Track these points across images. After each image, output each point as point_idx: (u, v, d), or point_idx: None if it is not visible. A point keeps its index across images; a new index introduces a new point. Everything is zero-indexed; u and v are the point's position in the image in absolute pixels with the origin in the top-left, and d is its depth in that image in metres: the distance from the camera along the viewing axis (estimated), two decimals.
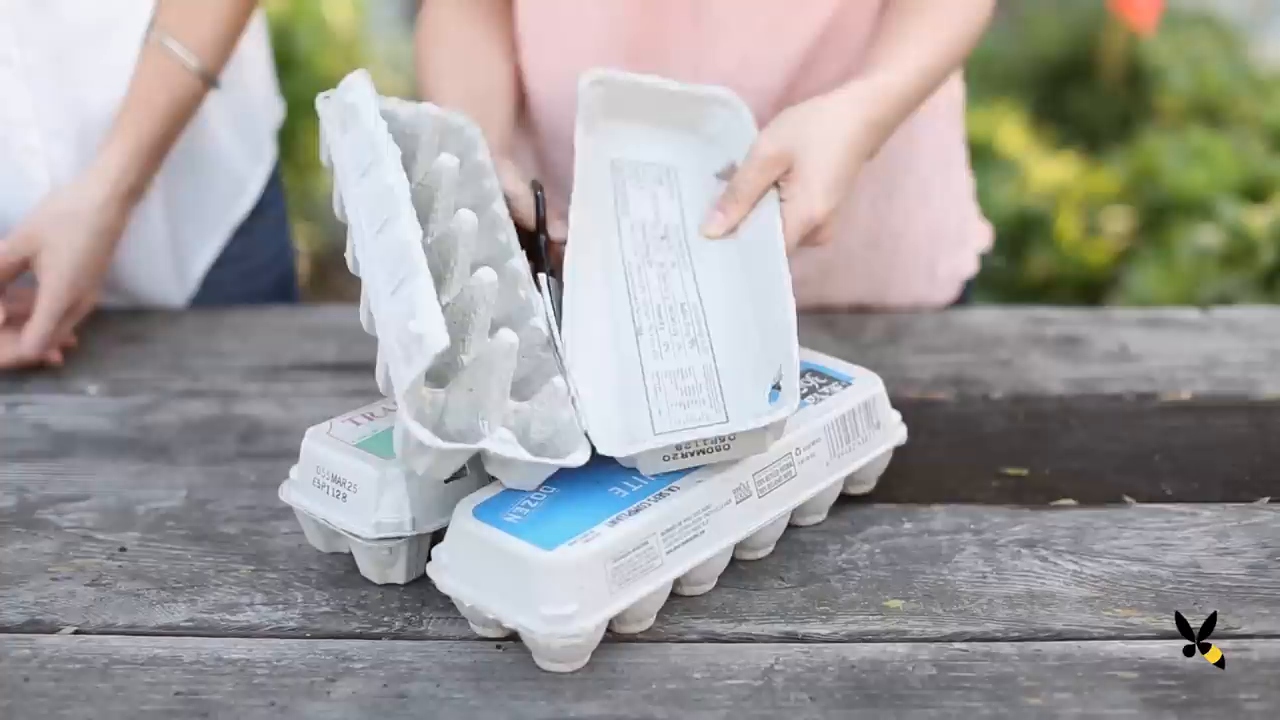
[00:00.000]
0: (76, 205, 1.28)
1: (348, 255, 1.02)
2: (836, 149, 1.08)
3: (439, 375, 0.95)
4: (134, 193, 1.32)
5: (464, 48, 1.27)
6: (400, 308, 0.91)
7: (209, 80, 1.35)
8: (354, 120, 1.05)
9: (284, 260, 1.58)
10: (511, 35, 1.29)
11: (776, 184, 1.09)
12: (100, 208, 1.29)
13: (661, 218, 1.11)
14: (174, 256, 1.46)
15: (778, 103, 1.26)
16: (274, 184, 1.54)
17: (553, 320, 1.00)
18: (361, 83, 1.07)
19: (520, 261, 1.04)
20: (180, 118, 1.35)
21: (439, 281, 0.98)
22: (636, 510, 0.91)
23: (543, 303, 1.01)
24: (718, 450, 0.93)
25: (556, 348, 0.98)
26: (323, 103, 1.09)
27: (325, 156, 1.08)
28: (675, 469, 0.94)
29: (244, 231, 1.50)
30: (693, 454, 0.93)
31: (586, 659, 0.90)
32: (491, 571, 0.90)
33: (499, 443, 0.90)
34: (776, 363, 0.97)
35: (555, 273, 1.04)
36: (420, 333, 0.88)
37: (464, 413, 0.94)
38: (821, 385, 1.04)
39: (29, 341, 1.27)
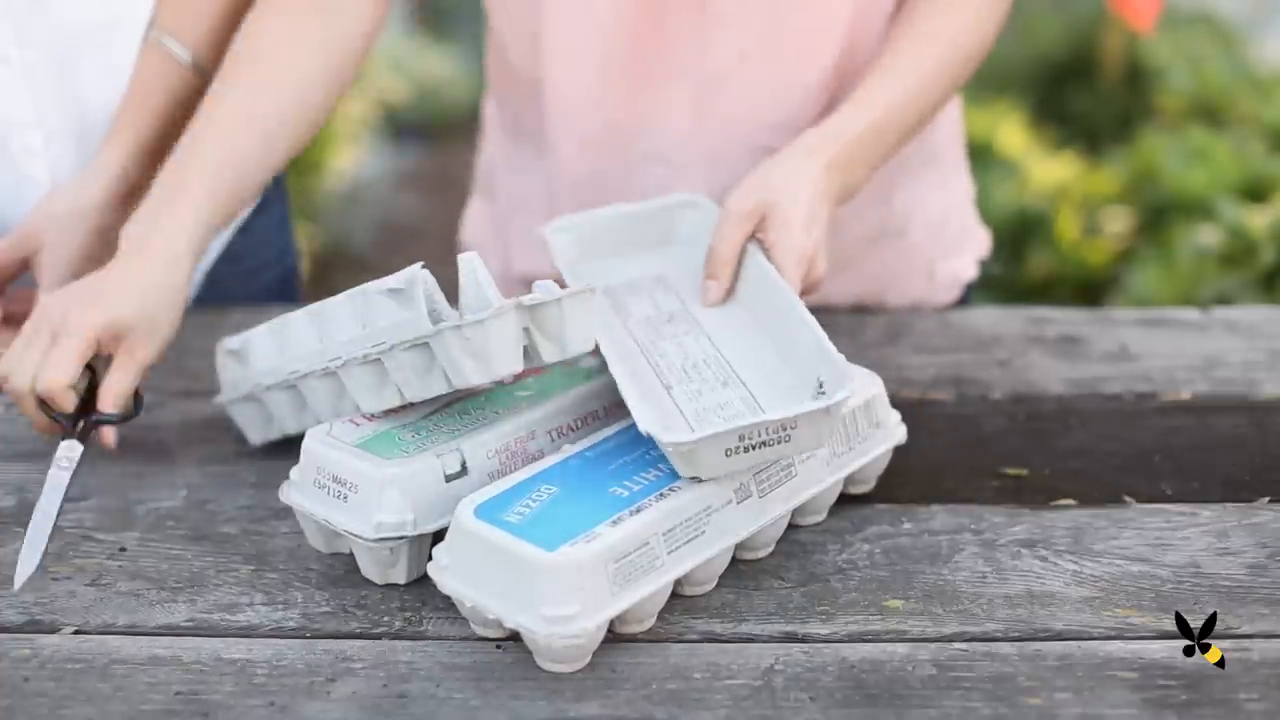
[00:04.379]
0: (76, 205, 1.28)
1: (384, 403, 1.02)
2: (802, 190, 1.10)
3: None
4: (134, 192, 1.32)
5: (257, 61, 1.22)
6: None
7: (207, 77, 1.34)
8: (246, 355, 1.14)
9: (286, 259, 1.58)
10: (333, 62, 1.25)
11: (755, 239, 1.10)
12: (101, 207, 1.28)
13: (663, 309, 1.12)
14: None
15: (778, 98, 1.26)
16: (276, 182, 1.54)
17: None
18: (238, 340, 1.15)
19: None
20: (180, 116, 1.34)
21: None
22: (637, 510, 0.91)
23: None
24: (780, 442, 0.92)
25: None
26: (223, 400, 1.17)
27: (259, 439, 1.16)
28: (738, 467, 0.93)
29: (246, 229, 1.50)
30: (755, 446, 0.92)
31: (588, 659, 0.90)
32: (492, 572, 0.90)
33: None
34: (810, 375, 0.97)
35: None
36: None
37: None
38: (822, 386, 1.04)
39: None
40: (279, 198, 1.55)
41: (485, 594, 0.90)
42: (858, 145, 1.15)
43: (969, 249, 1.46)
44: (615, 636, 0.92)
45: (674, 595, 0.95)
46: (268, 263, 1.54)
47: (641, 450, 0.97)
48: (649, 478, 0.94)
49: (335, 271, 3.52)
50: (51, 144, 1.33)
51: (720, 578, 0.98)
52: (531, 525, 0.90)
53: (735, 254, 1.10)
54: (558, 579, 0.87)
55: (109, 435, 1.13)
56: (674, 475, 0.94)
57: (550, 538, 0.89)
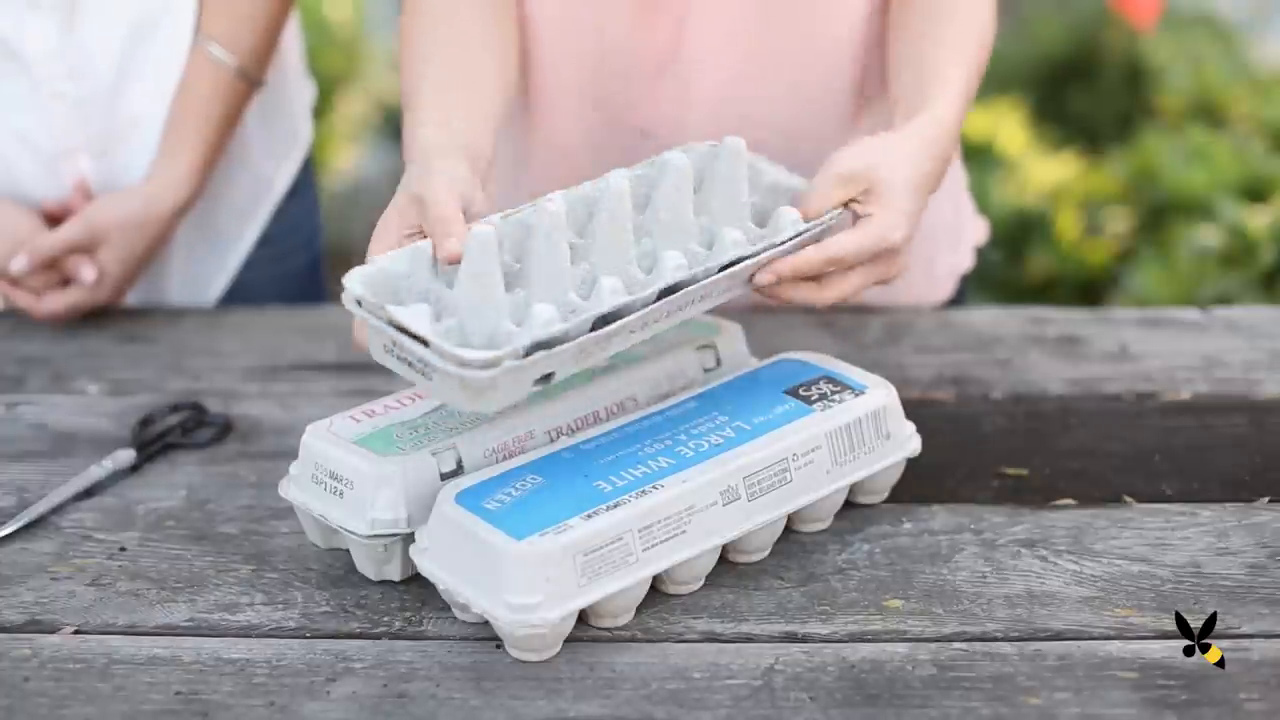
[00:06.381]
0: (147, 215, 1.33)
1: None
2: (912, 180, 1.05)
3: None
4: (193, 203, 1.37)
5: (452, 32, 1.18)
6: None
7: (255, 84, 1.38)
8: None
9: (314, 244, 1.61)
10: (506, 17, 1.22)
11: (850, 204, 1.05)
12: (167, 220, 1.35)
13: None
14: (214, 253, 1.49)
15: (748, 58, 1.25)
16: (307, 167, 1.56)
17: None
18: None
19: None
20: (234, 125, 1.39)
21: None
22: (615, 506, 0.92)
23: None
24: (422, 375, 0.91)
25: None
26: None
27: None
28: (391, 368, 0.93)
29: (280, 215, 1.52)
30: (406, 361, 0.91)
31: (555, 649, 0.91)
32: (465, 557, 0.91)
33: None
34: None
35: None
36: None
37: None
38: (834, 392, 1.04)
39: (52, 308, 1.33)
40: (309, 184, 1.57)
41: (458, 578, 0.91)
42: (951, 141, 1.10)
43: (966, 239, 1.46)
44: (613, 636, 0.92)
45: (661, 594, 0.95)
46: (298, 247, 1.56)
47: (635, 446, 0.97)
48: (635, 474, 0.95)
49: (335, 271, 3.52)
50: (98, 161, 1.37)
51: (720, 577, 0.98)
52: (508, 513, 0.91)
53: (822, 212, 1.03)
54: (523, 568, 0.88)
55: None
56: (659, 473, 0.94)
57: (522, 527, 0.90)
